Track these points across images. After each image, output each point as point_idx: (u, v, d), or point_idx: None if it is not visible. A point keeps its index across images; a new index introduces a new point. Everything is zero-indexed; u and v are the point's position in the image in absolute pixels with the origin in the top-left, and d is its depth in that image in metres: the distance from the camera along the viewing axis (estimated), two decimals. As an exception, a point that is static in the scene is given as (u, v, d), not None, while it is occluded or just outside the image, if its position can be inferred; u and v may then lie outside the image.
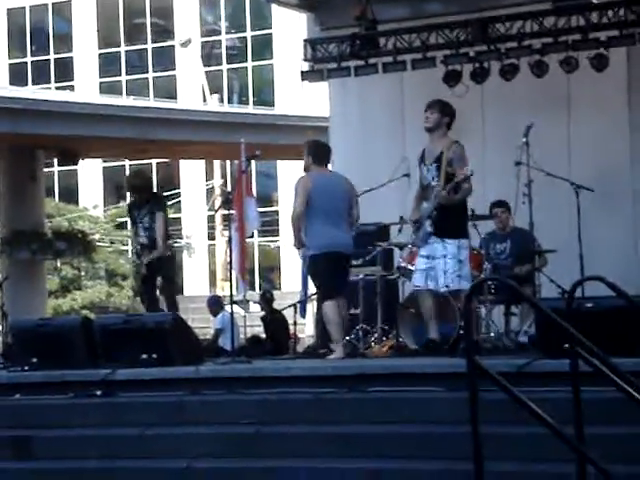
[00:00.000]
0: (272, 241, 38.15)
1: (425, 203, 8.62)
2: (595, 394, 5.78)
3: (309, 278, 9.69)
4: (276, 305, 14.99)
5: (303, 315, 12.12)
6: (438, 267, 8.50)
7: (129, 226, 11.74)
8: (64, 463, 7.60)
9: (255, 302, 15.25)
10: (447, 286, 8.48)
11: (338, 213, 8.96)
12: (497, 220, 10.15)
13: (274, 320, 14.27)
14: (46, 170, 25.45)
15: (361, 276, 10.27)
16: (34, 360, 8.85)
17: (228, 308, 11.64)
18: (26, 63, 42.25)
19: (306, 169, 9.10)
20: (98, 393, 8.17)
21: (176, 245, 38.82)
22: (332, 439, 7.17)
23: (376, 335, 9.77)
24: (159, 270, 10.46)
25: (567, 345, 5.20)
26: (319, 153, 9.11)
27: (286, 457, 7.10)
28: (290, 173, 34.52)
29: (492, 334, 9.21)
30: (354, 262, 10.54)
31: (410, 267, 9.68)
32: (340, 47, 12.34)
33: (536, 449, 6.38)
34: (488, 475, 4.46)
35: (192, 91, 38.61)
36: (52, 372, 8.56)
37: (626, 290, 5.57)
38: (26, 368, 8.85)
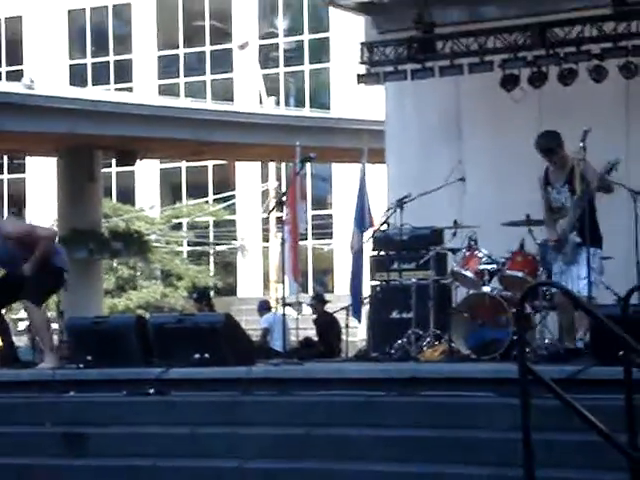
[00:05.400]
0: (326, 244, 38.16)
1: (561, 221, 8.77)
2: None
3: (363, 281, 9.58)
4: (329, 308, 14.99)
5: (359, 319, 12.05)
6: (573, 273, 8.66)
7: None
8: (117, 461, 7.67)
9: (308, 304, 15.24)
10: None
11: None
12: None
13: (326, 322, 14.28)
14: (104, 170, 25.68)
15: (414, 280, 10.23)
16: (89, 358, 8.95)
17: (280, 311, 11.65)
18: (86, 64, 42.68)
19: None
20: (151, 391, 8.24)
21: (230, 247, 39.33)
22: (382, 442, 7.17)
23: (428, 339, 9.73)
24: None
25: (621, 352, 5.16)
26: None
27: (336, 459, 7.10)
28: (345, 176, 34.49)
29: (546, 341, 9.12)
30: (406, 266, 10.52)
31: (464, 272, 9.64)
32: (397, 50, 12.32)
33: (588, 457, 6.32)
34: (539, 482, 4.43)
35: (249, 94, 38.74)
36: (106, 370, 8.65)
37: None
38: (81, 366, 8.95)
